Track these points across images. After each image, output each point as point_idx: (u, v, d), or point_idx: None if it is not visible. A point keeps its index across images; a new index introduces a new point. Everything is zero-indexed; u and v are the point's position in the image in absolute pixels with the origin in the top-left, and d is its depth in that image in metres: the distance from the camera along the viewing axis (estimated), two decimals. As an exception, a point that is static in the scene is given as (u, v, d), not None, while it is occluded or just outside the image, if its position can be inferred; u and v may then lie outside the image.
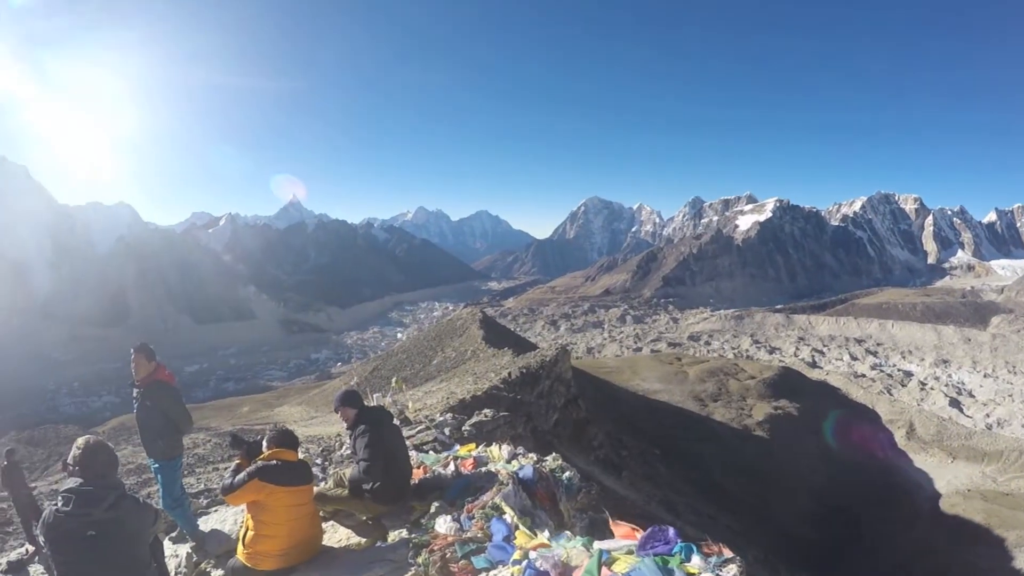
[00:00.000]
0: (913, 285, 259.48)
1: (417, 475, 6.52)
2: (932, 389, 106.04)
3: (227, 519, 7.04)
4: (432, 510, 5.63)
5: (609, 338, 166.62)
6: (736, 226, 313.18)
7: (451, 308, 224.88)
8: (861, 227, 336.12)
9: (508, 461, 6.93)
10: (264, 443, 5.28)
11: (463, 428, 12.20)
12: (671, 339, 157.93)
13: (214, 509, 8.22)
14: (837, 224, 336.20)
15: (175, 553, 6.42)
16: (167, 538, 6.70)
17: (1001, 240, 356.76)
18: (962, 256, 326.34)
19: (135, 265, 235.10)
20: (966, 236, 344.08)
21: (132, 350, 6.48)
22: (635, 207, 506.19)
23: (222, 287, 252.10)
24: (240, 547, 4.99)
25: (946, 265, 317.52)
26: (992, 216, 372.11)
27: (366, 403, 6.42)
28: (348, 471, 6.24)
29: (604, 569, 3.91)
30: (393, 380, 24.66)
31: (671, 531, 4.35)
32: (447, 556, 4.64)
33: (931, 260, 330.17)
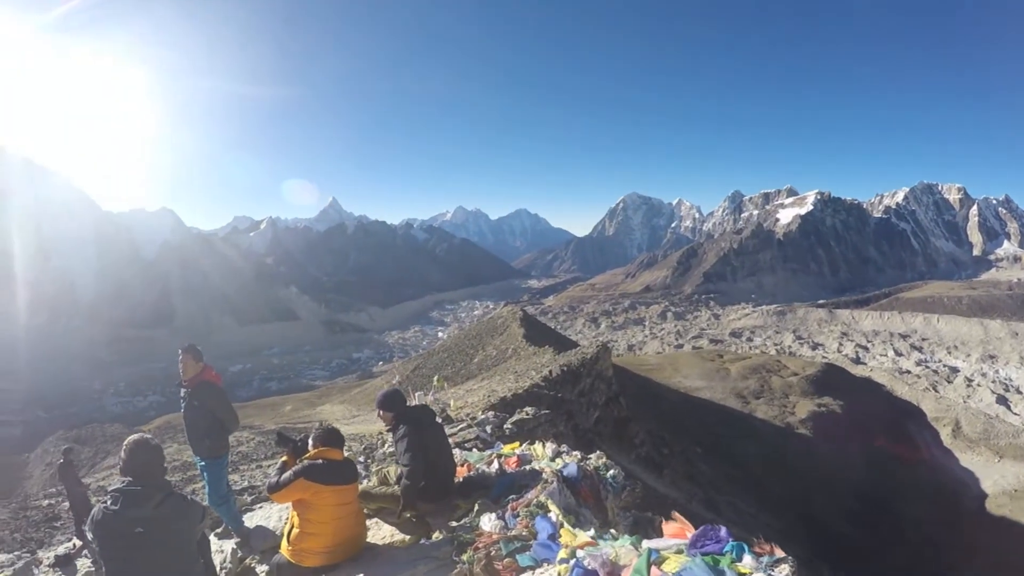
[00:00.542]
0: (958, 278, 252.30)
1: (461, 473, 6.48)
2: (979, 385, 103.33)
3: (271, 515, 7.12)
4: (476, 508, 5.57)
5: (650, 335, 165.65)
6: (777, 220, 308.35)
7: (491, 307, 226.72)
8: (904, 219, 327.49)
9: (552, 459, 6.86)
10: (310, 441, 5.27)
11: (504, 426, 12.14)
12: (712, 335, 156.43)
13: (259, 506, 8.32)
14: (879, 216, 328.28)
15: (220, 549, 6.49)
16: (212, 534, 6.77)
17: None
18: (1008, 247, 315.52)
19: (179, 269, 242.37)
20: (1012, 226, 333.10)
21: (180, 351, 6.55)
22: (674, 202, 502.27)
23: (264, 289, 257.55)
24: (284, 543, 5.00)
25: (992, 256, 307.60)
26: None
27: (409, 402, 6.39)
28: (392, 469, 6.23)
29: (654, 568, 3.77)
30: (435, 378, 24.85)
31: (723, 530, 4.18)
32: (491, 554, 4.57)
33: (976, 252, 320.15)
